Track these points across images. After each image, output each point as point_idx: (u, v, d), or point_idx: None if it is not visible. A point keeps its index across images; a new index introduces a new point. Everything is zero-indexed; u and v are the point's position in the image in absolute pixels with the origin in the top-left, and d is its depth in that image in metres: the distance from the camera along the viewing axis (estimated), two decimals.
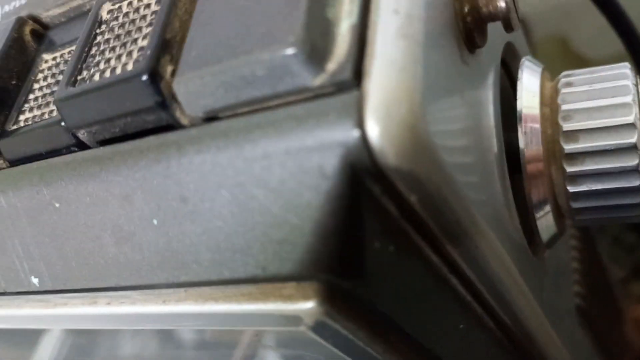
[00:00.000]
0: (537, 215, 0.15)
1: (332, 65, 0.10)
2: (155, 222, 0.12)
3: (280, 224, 0.11)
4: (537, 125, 0.15)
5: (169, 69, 0.12)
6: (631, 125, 0.14)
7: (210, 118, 0.11)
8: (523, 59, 0.16)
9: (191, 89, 0.11)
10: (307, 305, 0.11)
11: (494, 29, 0.15)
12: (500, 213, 0.14)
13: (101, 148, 0.13)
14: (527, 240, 0.16)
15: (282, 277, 0.11)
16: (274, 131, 0.10)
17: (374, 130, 0.09)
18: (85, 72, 0.14)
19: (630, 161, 0.14)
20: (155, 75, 0.12)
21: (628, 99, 0.14)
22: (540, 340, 0.16)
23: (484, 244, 0.12)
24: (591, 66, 0.16)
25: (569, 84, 0.15)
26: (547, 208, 0.15)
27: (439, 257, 0.12)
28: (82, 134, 0.13)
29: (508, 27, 0.12)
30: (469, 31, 0.12)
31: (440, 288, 0.13)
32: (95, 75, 0.13)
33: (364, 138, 0.10)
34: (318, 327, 0.12)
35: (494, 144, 0.14)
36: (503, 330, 0.15)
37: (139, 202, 0.12)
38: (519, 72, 0.15)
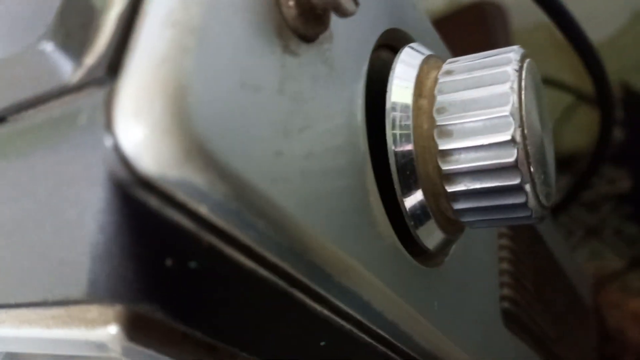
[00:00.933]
0: (417, 221, 0.13)
1: (90, 59, 0.08)
2: None
3: (55, 242, 0.09)
4: (409, 121, 0.13)
5: None
6: (507, 117, 0.12)
7: None
8: (404, 47, 0.14)
9: None
10: (109, 331, 0.10)
11: (367, 14, 0.13)
12: (364, 222, 0.12)
13: None
14: (417, 249, 0.14)
15: (84, 300, 0.10)
16: (34, 138, 0.09)
17: (124, 134, 0.08)
18: None
19: (508, 157, 0.12)
20: None
21: (505, 87, 0.12)
22: (425, 348, 0.14)
23: (325, 257, 0.11)
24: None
25: (449, 72, 0.13)
26: (428, 212, 0.13)
27: (269, 270, 0.10)
28: None
29: (339, 11, 0.10)
30: (295, 18, 0.10)
31: (279, 303, 0.11)
32: None
33: (115, 143, 0.08)
34: (130, 353, 0.10)
35: (358, 145, 0.12)
36: (383, 344, 0.13)
37: None
38: (394, 61, 0.13)
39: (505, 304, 0.19)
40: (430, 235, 0.14)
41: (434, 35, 0.18)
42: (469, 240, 0.17)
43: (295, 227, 0.10)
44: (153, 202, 0.08)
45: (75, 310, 0.10)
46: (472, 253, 0.17)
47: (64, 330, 0.10)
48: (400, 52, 0.14)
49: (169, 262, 0.09)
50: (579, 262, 0.43)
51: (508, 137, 0.12)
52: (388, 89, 0.13)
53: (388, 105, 0.13)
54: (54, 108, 0.09)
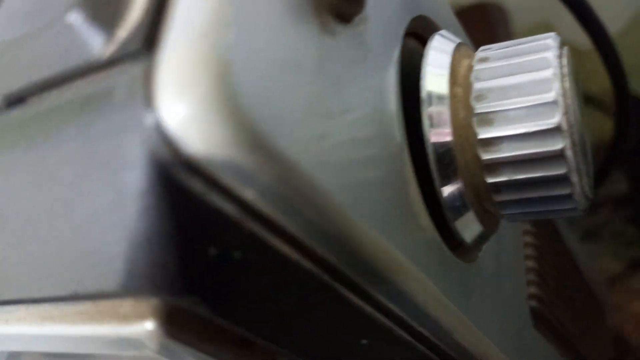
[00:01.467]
0: (455, 213, 0.12)
1: (123, 32, 0.08)
2: None
3: (85, 230, 0.08)
4: (445, 108, 0.12)
5: None
6: (552, 104, 0.11)
7: (15, 103, 0.09)
8: (434, 34, 0.13)
9: None
10: (145, 327, 0.09)
11: (394, 2, 0.13)
12: (405, 214, 0.11)
13: None
14: (454, 243, 0.13)
15: (119, 292, 0.09)
16: (62, 117, 0.08)
17: (167, 111, 0.07)
18: None
19: (554, 145, 0.11)
20: None
21: (548, 73, 0.11)
22: (466, 347, 0.13)
23: (371, 249, 0.10)
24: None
25: (484, 59, 0.12)
26: (467, 204, 0.12)
27: (313, 262, 0.09)
28: None
29: None
30: None
31: (322, 298, 0.10)
32: None
33: (157, 121, 0.07)
34: (166, 351, 0.09)
35: (393, 134, 0.11)
36: (422, 342, 0.12)
37: None
38: (426, 48, 0.13)
39: (533, 303, 0.18)
40: (468, 228, 0.13)
41: (457, 25, 0.17)
42: (498, 237, 0.16)
43: (342, 215, 0.09)
44: (197, 186, 0.08)
45: (105, 305, 0.09)
46: (502, 250, 0.16)
47: (93, 326, 0.10)
48: (432, 39, 0.13)
49: (212, 251, 0.08)
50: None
51: (554, 125, 0.11)
52: (422, 77, 0.12)
53: (423, 94, 0.12)
54: (82, 86, 0.08)
